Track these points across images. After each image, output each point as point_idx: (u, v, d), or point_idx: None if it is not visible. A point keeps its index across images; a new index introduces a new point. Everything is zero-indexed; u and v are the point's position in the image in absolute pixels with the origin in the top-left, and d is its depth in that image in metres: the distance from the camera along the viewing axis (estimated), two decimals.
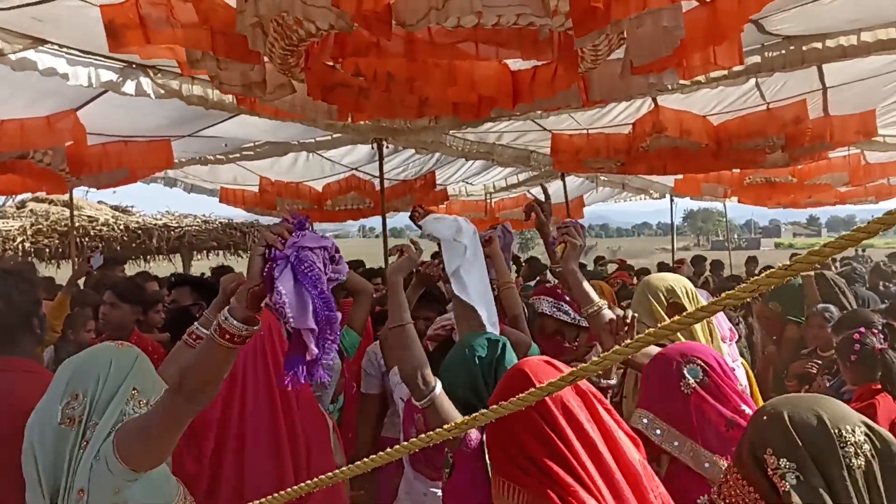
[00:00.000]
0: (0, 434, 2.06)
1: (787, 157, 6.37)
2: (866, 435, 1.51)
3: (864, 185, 9.86)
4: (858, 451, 1.48)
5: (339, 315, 1.66)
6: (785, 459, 1.50)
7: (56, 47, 3.64)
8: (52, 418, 1.87)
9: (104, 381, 1.92)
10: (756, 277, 0.96)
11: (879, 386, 2.95)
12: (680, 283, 2.97)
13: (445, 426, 1.22)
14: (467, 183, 9.72)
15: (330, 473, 1.28)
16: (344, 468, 1.27)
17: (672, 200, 12.36)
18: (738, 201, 11.92)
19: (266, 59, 3.12)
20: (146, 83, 4.11)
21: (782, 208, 12.72)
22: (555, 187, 10.50)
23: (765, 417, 1.57)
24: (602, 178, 10.11)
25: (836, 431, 1.51)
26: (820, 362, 4.35)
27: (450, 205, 11.12)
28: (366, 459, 1.25)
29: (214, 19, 2.73)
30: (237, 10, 2.65)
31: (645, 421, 2.25)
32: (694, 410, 2.17)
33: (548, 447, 1.53)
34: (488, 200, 11.08)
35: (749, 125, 5.64)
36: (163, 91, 4.14)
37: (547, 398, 1.49)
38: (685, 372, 2.23)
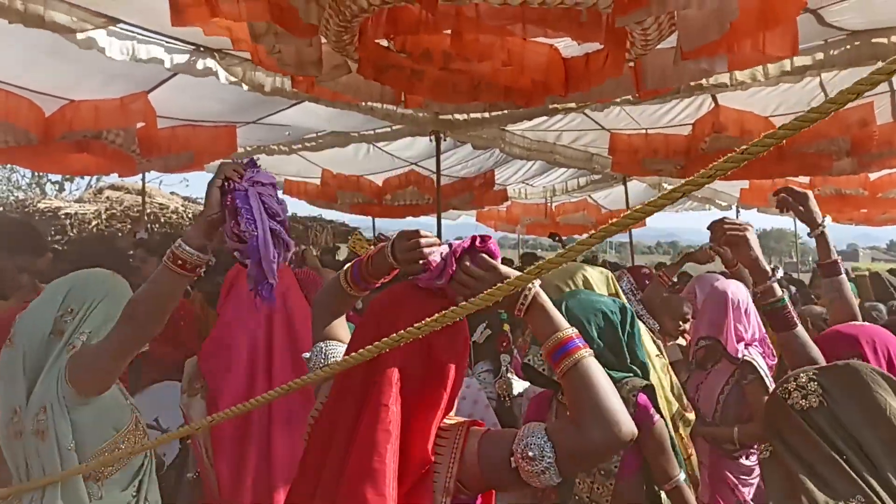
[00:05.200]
0: None
1: (856, 164, 6.19)
2: (815, 374, 1.53)
3: None
4: (807, 392, 1.50)
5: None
6: (765, 443, 1.58)
7: (129, 27, 3.83)
8: (44, 327, 2.04)
9: (97, 304, 2.08)
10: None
11: None
12: (592, 273, 3.00)
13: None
14: (527, 184, 9.71)
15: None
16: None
17: (738, 212, 12.07)
18: None
19: (323, 38, 3.23)
20: (214, 66, 4.27)
21: (855, 224, 12.28)
22: (616, 193, 10.42)
23: None
24: (665, 185, 9.96)
25: (780, 389, 1.55)
26: None
27: (510, 207, 11.14)
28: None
29: None
30: None
31: None
32: None
33: None
34: (549, 204, 11.05)
35: (813, 127, 5.50)
36: (229, 75, 4.29)
37: None
38: None
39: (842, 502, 1.38)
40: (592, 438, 1.45)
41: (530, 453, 1.45)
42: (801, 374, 1.54)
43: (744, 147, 0.92)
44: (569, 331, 1.55)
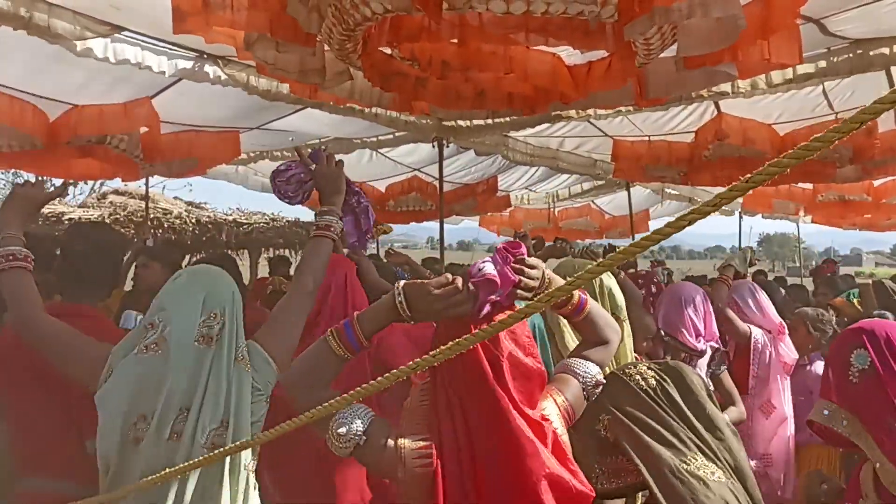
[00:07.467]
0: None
1: (860, 171, 6.20)
2: (651, 366, 1.98)
3: None
4: (647, 377, 1.93)
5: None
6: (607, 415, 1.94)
7: (133, 35, 3.84)
8: (190, 334, 1.91)
9: (235, 302, 2.06)
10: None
11: None
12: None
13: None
14: (530, 190, 9.71)
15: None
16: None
17: (741, 217, 12.07)
18: (812, 221, 11.60)
19: (325, 46, 3.24)
20: (217, 72, 4.28)
21: (858, 230, 12.28)
22: (620, 199, 10.42)
23: None
24: (668, 190, 9.97)
25: (622, 373, 1.97)
26: None
27: (513, 212, 11.14)
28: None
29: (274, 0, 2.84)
30: None
31: (826, 412, 2.09)
32: (864, 400, 2.01)
33: None
34: (552, 209, 11.05)
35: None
36: (230, 80, 4.30)
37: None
38: (852, 359, 2.05)
39: (688, 456, 1.78)
40: (615, 344, 2.00)
41: (602, 379, 1.90)
42: (640, 366, 1.99)
43: (748, 176, 0.94)
44: (576, 292, 1.90)
